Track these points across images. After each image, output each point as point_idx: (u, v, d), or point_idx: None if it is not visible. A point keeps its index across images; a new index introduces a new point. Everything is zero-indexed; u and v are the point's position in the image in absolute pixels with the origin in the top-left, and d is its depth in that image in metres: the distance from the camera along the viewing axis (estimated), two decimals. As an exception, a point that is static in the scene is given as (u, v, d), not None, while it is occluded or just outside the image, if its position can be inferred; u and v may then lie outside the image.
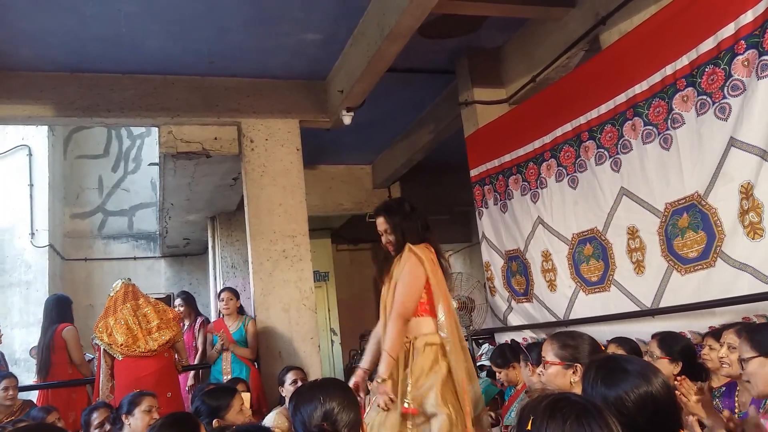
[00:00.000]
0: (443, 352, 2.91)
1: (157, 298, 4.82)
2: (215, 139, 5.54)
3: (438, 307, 2.97)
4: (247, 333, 5.13)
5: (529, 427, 1.17)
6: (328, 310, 9.67)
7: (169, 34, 4.77)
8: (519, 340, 4.97)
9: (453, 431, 2.72)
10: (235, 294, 5.31)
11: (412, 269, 2.93)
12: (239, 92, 5.59)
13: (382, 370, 2.81)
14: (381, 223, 3.13)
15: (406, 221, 3.07)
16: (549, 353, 2.38)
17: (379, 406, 2.81)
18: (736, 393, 2.59)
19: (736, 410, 2.55)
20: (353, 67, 5.02)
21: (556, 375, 2.33)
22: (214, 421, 2.74)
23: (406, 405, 2.77)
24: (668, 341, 2.99)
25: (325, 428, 1.79)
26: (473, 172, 5.48)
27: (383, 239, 3.14)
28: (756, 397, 2.11)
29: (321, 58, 5.36)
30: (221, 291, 5.43)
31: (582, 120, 4.23)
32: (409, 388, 2.79)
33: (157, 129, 5.62)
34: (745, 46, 3.05)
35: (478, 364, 5.55)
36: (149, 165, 8.98)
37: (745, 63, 3.05)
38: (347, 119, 5.47)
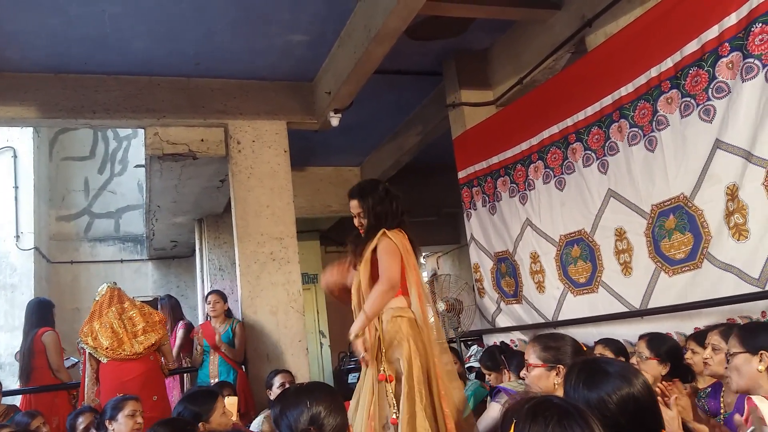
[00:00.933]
0: (411, 325, 2.87)
1: (143, 302, 4.79)
2: (202, 140, 5.51)
3: (411, 292, 2.93)
4: (234, 336, 5.11)
5: (511, 430, 1.17)
6: (317, 312, 9.65)
7: (154, 35, 4.74)
8: (507, 341, 4.98)
9: (416, 404, 2.67)
10: (221, 296, 5.28)
11: (386, 246, 2.89)
12: (226, 94, 5.56)
13: (355, 326, 2.79)
14: (354, 206, 3.09)
15: (380, 205, 3.02)
16: (531, 355, 2.39)
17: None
18: (722, 394, 2.61)
19: (722, 410, 2.56)
20: (340, 68, 5.02)
21: (539, 377, 2.34)
22: (199, 425, 2.72)
23: (382, 372, 2.75)
24: (656, 342, 3.01)
25: (311, 432, 1.78)
26: (461, 174, 5.49)
27: (356, 221, 3.12)
28: (734, 391, 2.15)
29: (308, 60, 5.35)
30: (208, 294, 5.40)
31: (569, 122, 4.24)
32: (383, 356, 2.77)
33: (143, 130, 5.58)
34: (729, 48, 3.07)
35: (467, 365, 5.54)
36: (136, 167, 8.93)
37: (729, 65, 3.07)
38: (335, 121, 5.46)
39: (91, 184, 9.56)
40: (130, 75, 5.28)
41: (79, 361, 5.34)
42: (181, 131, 5.45)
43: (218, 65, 5.30)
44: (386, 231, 2.93)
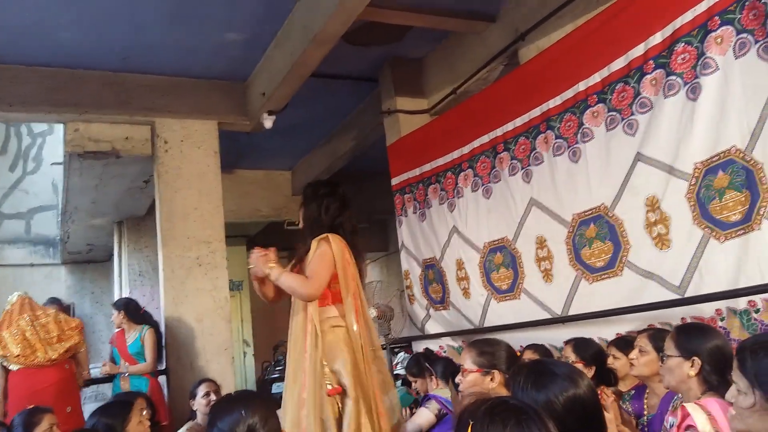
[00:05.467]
0: (347, 335, 2.87)
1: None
2: (126, 138, 5.28)
3: (346, 302, 2.91)
4: (143, 345, 4.87)
5: (469, 432, 1.17)
6: (242, 321, 9.44)
7: (81, 26, 4.49)
8: (436, 348, 5.01)
9: (361, 414, 2.69)
10: (115, 307, 5.06)
11: (322, 254, 2.89)
12: (155, 90, 5.34)
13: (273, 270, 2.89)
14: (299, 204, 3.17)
15: (313, 204, 3.05)
16: (467, 361, 2.41)
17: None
18: (645, 396, 2.72)
19: (645, 412, 2.67)
20: (276, 69, 4.93)
21: (475, 382, 2.36)
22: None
23: (329, 386, 2.72)
24: (582, 346, 3.11)
25: (249, 442, 1.72)
26: (394, 181, 5.51)
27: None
28: (664, 387, 2.26)
29: (243, 59, 5.23)
30: None
31: (498, 132, 4.35)
32: (326, 369, 2.75)
33: (62, 126, 5.29)
34: (653, 66, 3.23)
35: (393, 372, 5.55)
36: (52, 165, 8.43)
37: (653, 82, 3.23)
38: (268, 123, 5.36)
39: (0, 182, 8.99)
40: (51, 67, 4.98)
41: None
42: (104, 128, 5.19)
43: (148, 61, 5.09)
44: (329, 236, 2.91)
